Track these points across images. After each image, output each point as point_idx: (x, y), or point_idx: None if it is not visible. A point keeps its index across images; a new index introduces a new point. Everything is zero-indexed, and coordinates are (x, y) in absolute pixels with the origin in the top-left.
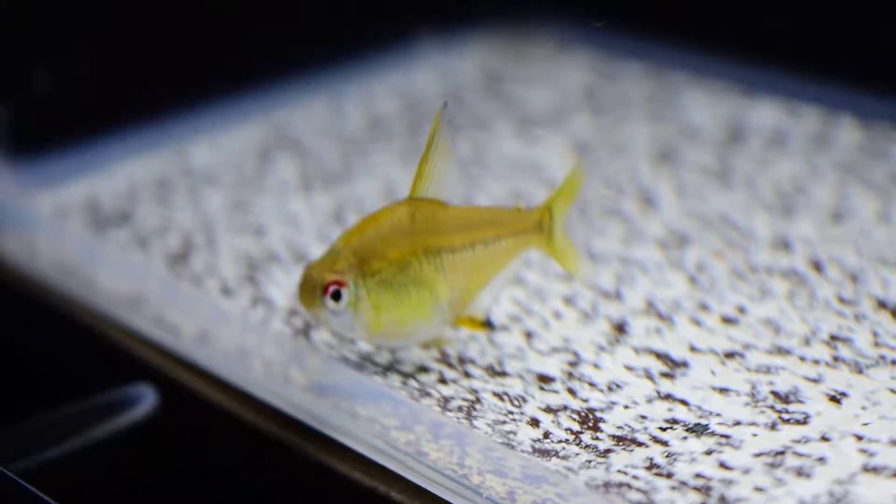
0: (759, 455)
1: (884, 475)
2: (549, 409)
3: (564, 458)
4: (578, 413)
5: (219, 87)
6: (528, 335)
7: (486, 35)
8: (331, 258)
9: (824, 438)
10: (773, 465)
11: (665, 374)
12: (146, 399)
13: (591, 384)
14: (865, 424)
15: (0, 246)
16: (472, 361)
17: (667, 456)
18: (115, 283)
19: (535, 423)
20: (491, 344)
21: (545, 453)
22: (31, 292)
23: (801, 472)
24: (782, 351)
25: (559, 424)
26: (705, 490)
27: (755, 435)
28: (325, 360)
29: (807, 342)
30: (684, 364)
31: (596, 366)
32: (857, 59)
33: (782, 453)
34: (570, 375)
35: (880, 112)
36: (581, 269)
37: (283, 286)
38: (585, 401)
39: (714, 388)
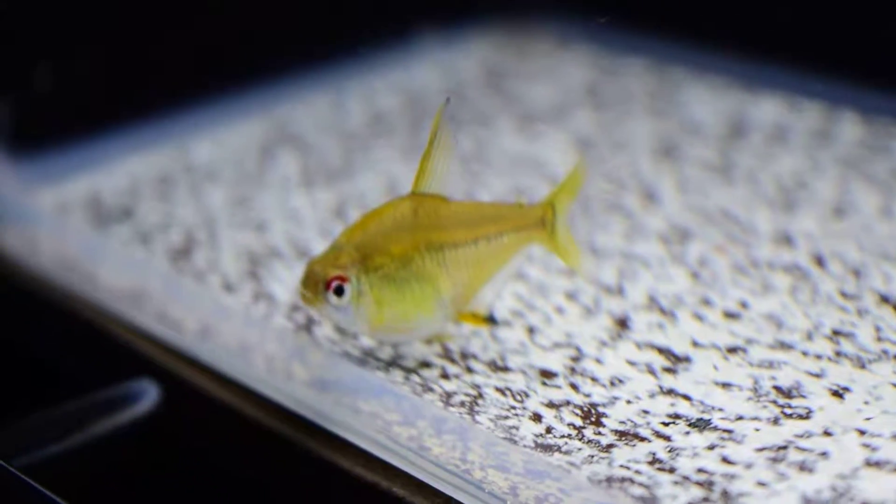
0: (761, 450)
1: (886, 470)
2: (551, 405)
3: (567, 453)
4: (581, 408)
5: (220, 83)
6: (531, 330)
7: (487, 31)
8: (333, 253)
9: (827, 433)
10: (775, 460)
11: (667, 369)
12: (148, 395)
13: (594, 379)
14: (868, 419)
15: (1, 242)
16: (475, 357)
17: (669, 451)
18: (117, 279)
19: (537, 418)
20: (493, 339)
21: (547, 448)
22: (33, 288)
23: (803, 467)
24: (785, 346)
25: (561, 419)
26: (708, 485)
27: (758, 430)
28: (327, 355)
29: (809, 337)
30: (687, 359)
31: (598, 361)
32: (858, 55)
33: (785, 448)
34: (573, 370)
35: (882, 107)
36: (583, 265)
37: (284, 282)
38: (588, 396)
39: (716, 383)
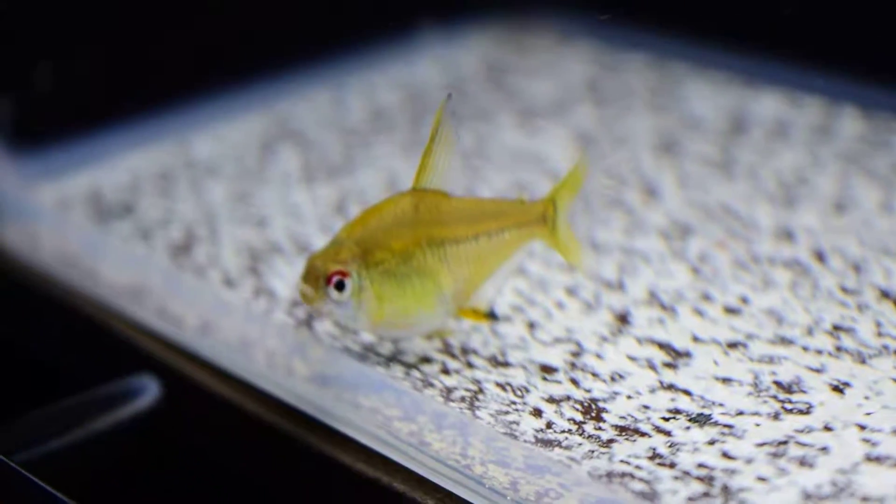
0: (761, 445)
1: (886, 465)
2: (551, 400)
3: (567, 448)
4: (581, 403)
5: (221, 78)
6: (531, 326)
7: (488, 26)
8: (334, 249)
9: (827, 428)
10: (775, 455)
11: (668, 365)
12: (149, 390)
13: (594, 374)
14: (868, 414)
15: (3, 237)
16: (475, 352)
17: (670, 446)
18: (118, 275)
19: (537, 413)
20: (494, 334)
21: (548, 443)
22: (34, 284)
23: (803, 462)
24: (785, 341)
25: (562, 414)
26: (708, 480)
27: (758, 425)
28: (327, 350)
29: (809, 332)
30: (687, 354)
31: (599, 356)
32: (859, 50)
33: (785, 443)
34: (573, 366)
35: (883, 102)
36: (584, 262)
37: (285, 277)
38: (588, 391)
39: (717, 378)
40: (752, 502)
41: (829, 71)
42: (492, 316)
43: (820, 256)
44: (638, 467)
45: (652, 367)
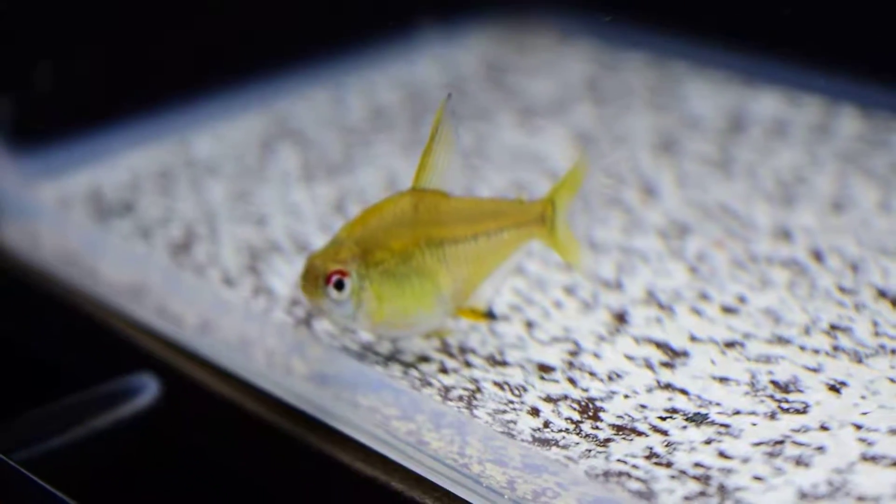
0: (758, 444)
1: (882, 464)
2: (549, 399)
3: (564, 447)
4: (578, 402)
5: (221, 77)
6: (529, 325)
7: (487, 25)
8: (334, 248)
9: (823, 428)
10: (772, 455)
11: (665, 364)
12: (148, 389)
13: (592, 374)
14: (864, 414)
15: (3, 236)
16: (473, 351)
17: (666, 445)
18: (118, 273)
19: (535, 412)
20: (492, 334)
21: (545, 442)
22: (34, 282)
23: (800, 462)
24: (782, 340)
25: (559, 414)
26: (704, 479)
27: (754, 424)
28: (326, 349)
29: (807, 332)
30: (684, 353)
31: (596, 355)
32: (858, 49)
33: (781, 442)
34: (571, 365)
35: (881, 101)
36: (582, 261)
37: (284, 276)
38: (586, 390)
39: (714, 378)
40: (749, 501)
41: (828, 70)
42: (490, 315)
43: (818, 256)
44: (635, 466)
45: (649, 366)
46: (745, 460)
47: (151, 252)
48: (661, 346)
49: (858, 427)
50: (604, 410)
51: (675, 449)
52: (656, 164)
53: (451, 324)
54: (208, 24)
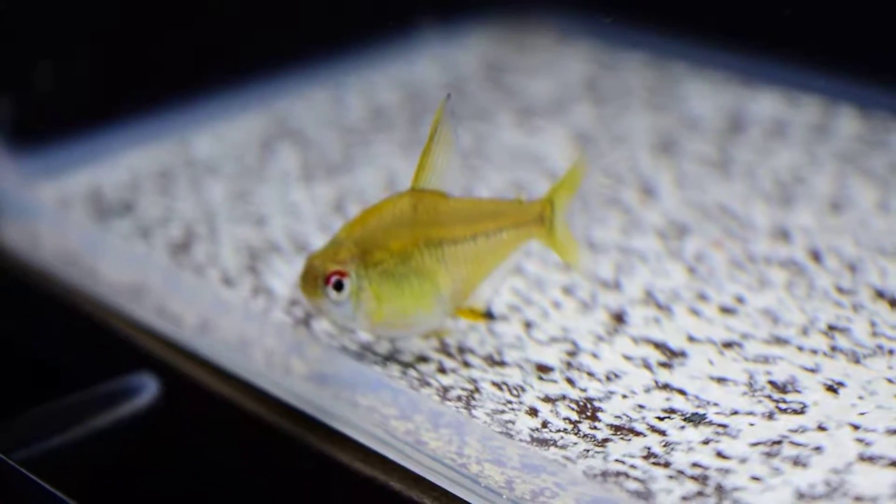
0: (755, 444)
1: (880, 464)
2: (547, 399)
3: (562, 447)
4: (577, 402)
5: (220, 77)
6: (528, 325)
7: (487, 25)
8: (333, 249)
9: (821, 428)
10: (769, 455)
11: (663, 364)
12: (148, 388)
13: (590, 374)
14: (862, 414)
15: (3, 236)
16: (472, 351)
17: (664, 445)
18: (118, 273)
19: (533, 412)
20: (490, 334)
21: (543, 442)
22: (34, 282)
23: (797, 462)
24: (780, 341)
25: (557, 414)
26: (702, 479)
27: (752, 424)
28: (325, 349)
29: (805, 332)
30: (682, 354)
31: (594, 355)
32: (857, 49)
33: (779, 443)
34: (569, 365)
35: (880, 102)
36: (581, 261)
37: (283, 276)
38: (584, 390)
39: (712, 378)
40: (746, 502)
41: (827, 71)
42: (489, 315)
43: (816, 256)
44: (633, 466)
45: (647, 366)
46: (743, 460)
47: (151, 252)
48: (659, 346)
49: (856, 427)
50: (602, 410)
51: (672, 449)
52: (655, 165)
53: (449, 324)
54: (208, 23)
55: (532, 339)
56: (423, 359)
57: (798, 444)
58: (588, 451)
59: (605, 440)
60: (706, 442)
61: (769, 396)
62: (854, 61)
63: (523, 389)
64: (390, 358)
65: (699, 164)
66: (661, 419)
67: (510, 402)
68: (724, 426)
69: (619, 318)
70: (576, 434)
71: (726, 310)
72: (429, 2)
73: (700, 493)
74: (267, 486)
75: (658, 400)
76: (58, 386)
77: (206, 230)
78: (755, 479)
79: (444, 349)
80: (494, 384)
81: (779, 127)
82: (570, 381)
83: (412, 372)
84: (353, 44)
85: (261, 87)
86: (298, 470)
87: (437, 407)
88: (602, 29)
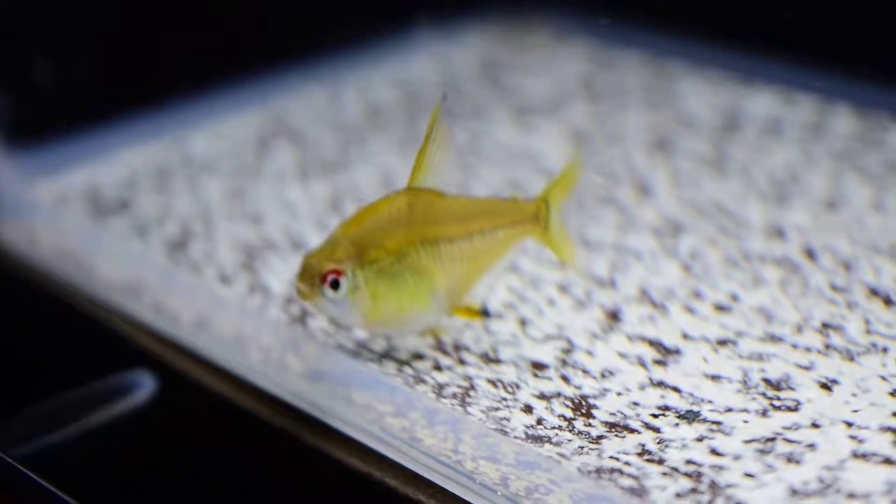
0: (749, 441)
1: (873, 461)
2: (542, 396)
3: (557, 444)
4: (571, 400)
5: (217, 75)
6: (523, 322)
7: (484, 24)
8: (329, 247)
9: (815, 425)
10: (763, 452)
11: (658, 362)
12: (144, 386)
13: (585, 371)
14: (856, 411)
15: (0, 233)
16: (467, 349)
17: (658, 442)
18: (115, 271)
19: (528, 409)
20: (485, 331)
21: (538, 439)
22: (31, 279)
23: (791, 459)
24: (774, 338)
25: (552, 411)
26: (696, 476)
27: (746, 422)
28: (321, 347)
29: (799, 330)
30: (677, 351)
31: (589, 353)
32: (853, 48)
33: (773, 440)
34: (564, 362)
35: (876, 101)
36: (576, 259)
37: (280, 274)
38: (578, 388)
39: (706, 376)
40: (740, 498)
41: (823, 69)
42: (484, 313)
43: (811, 254)
44: (627, 463)
45: (642, 364)
46: (737, 457)
47: (148, 250)
48: (653, 343)
49: (849, 424)
50: (596, 408)
51: (667, 446)
52: (651, 163)
53: (445, 321)
54: (206, 22)
55: (527, 337)
56: (419, 356)
57: (792, 442)
58: (583, 447)
59: (600, 437)
60: (700, 439)
61: (763, 394)
62: (850, 60)
63: (518, 387)
64: (386, 355)
65: (695, 162)
66: (656, 416)
67: (505, 400)
68: (719, 423)
69: (614, 315)
70: (570, 431)
71: (721, 307)
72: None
73: (694, 490)
74: (263, 482)
75: (652, 397)
76: (55, 383)
77: (202, 228)
78: (749, 475)
79: (440, 347)
80: (490, 381)
81: (774, 125)
82: (565, 379)
83: (408, 369)
84: (350, 42)
85: (258, 84)
86: (294, 466)
87: (432, 404)
88: (598, 27)
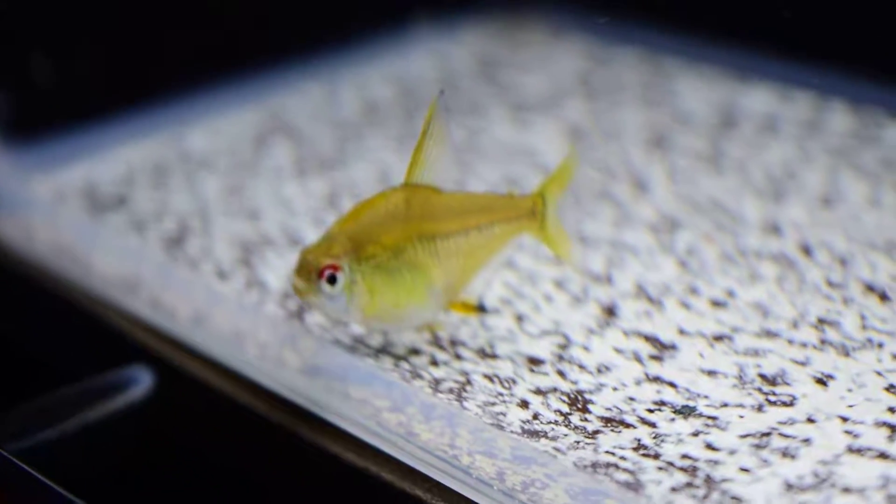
0: (745, 436)
1: (868, 456)
2: (538, 391)
3: (553, 439)
4: (568, 395)
5: (215, 72)
6: (519, 318)
7: (481, 21)
8: (326, 243)
9: (810, 420)
10: (758, 447)
11: (654, 357)
12: (142, 381)
13: (581, 366)
14: (851, 406)
15: None
16: (464, 344)
17: (654, 437)
18: (112, 267)
19: (524, 404)
20: (482, 327)
21: (534, 434)
22: (29, 275)
23: (786, 453)
24: (770, 334)
25: (548, 406)
26: (692, 470)
27: (742, 417)
28: (318, 342)
29: (795, 325)
30: (673, 347)
31: (586, 348)
32: (850, 45)
33: (768, 435)
34: (560, 358)
35: (872, 97)
36: (573, 255)
37: (277, 269)
38: (575, 383)
39: (702, 371)
40: (735, 493)
41: (819, 66)
42: (481, 309)
43: (807, 250)
44: (623, 458)
45: (638, 359)
46: (732, 452)
47: (145, 245)
48: (649, 339)
49: (845, 419)
50: (592, 403)
51: (662, 441)
52: (647, 159)
53: (442, 317)
54: (203, 18)
55: (524, 333)
56: (416, 351)
57: (787, 436)
58: (578, 442)
59: (596, 432)
60: (696, 434)
61: (759, 389)
62: (846, 57)
63: (515, 382)
64: (383, 351)
65: (691, 159)
66: (652, 411)
67: (501, 395)
68: (714, 418)
69: (611, 311)
70: (566, 426)
71: (717, 303)
72: None
73: (689, 485)
74: (260, 477)
75: (648, 392)
76: (52, 378)
77: (199, 224)
78: (744, 470)
79: (437, 342)
80: (486, 377)
81: (771, 122)
82: (562, 374)
83: (404, 364)
84: (347, 38)
85: (255, 81)
86: (291, 461)
87: (428, 399)
88: (596, 25)
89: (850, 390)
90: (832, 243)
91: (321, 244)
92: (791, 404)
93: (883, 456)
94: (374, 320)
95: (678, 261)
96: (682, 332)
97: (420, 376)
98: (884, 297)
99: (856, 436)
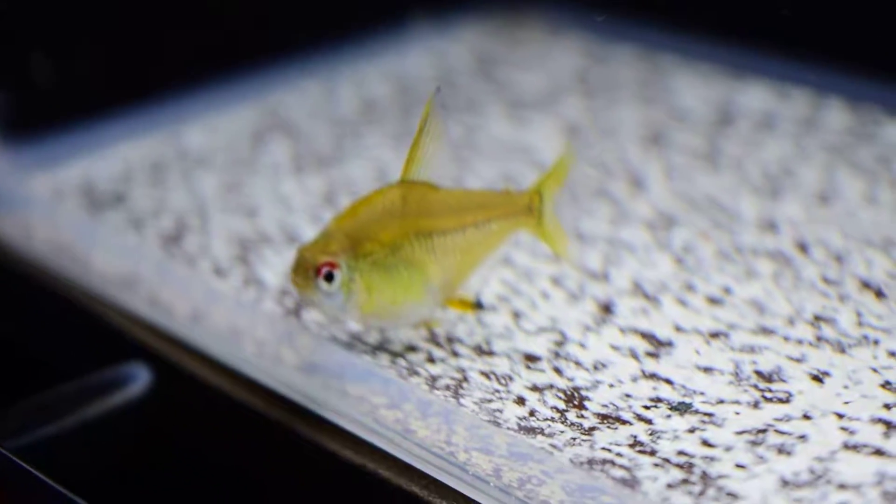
0: (741, 433)
1: (863, 453)
2: (535, 388)
3: (550, 435)
4: (564, 391)
5: (213, 69)
6: (516, 315)
7: (479, 18)
8: (324, 240)
9: (806, 417)
10: (754, 443)
11: (650, 354)
12: (140, 378)
13: (577, 363)
14: (847, 403)
15: None
16: (460, 341)
17: (650, 434)
18: (110, 264)
19: (521, 401)
20: (479, 324)
21: (531, 431)
22: (27, 273)
23: (782, 450)
24: (766, 331)
25: (545, 403)
26: (688, 467)
27: (738, 413)
28: (315, 339)
29: (791, 322)
30: (669, 343)
31: (582, 345)
32: (846, 42)
33: (764, 431)
34: (557, 355)
35: (868, 94)
36: (569, 252)
37: (274, 267)
38: (571, 379)
39: (698, 368)
40: (731, 489)
41: (816, 63)
42: (478, 306)
43: (803, 247)
44: (619, 454)
45: (634, 356)
46: (729, 449)
47: (143, 243)
48: (646, 336)
49: (840, 416)
50: (589, 399)
51: (659, 437)
52: (644, 157)
53: (439, 314)
54: (201, 16)
55: (520, 329)
56: (413, 348)
57: (783, 433)
58: (575, 439)
59: (592, 429)
60: (692, 430)
61: (755, 386)
62: (843, 54)
63: (511, 379)
64: (380, 348)
65: (688, 156)
66: (648, 408)
67: (498, 392)
68: (710, 415)
69: (607, 308)
70: (563, 423)
71: (713, 300)
72: None
73: (685, 481)
74: (257, 474)
75: (645, 389)
76: (50, 375)
77: (197, 221)
78: (740, 466)
79: (434, 339)
80: (483, 373)
81: (767, 119)
82: (558, 371)
83: (401, 361)
84: (345, 36)
85: (253, 78)
86: (288, 458)
87: (425, 396)
88: (593, 22)
89: (845, 387)
90: (828, 240)
91: (318, 241)
92: (787, 401)
93: (879, 452)
94: (371, 317)
95: (675, 258)
96: (678, 328)
97: (417, 373)
98: (880, 293)
99: (852, 432)
